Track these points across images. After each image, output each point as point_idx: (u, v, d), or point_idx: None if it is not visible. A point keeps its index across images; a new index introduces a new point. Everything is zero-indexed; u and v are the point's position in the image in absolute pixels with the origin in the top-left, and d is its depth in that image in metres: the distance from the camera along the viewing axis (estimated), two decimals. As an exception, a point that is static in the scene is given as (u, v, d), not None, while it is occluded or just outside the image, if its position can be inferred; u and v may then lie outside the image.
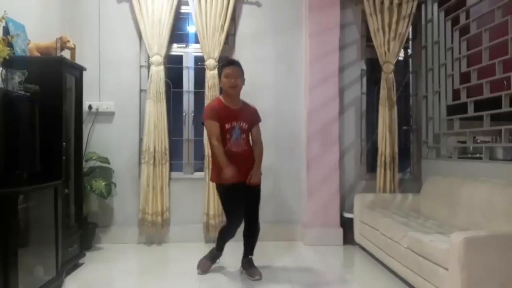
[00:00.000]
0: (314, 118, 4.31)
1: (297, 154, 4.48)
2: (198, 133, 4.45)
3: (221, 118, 3.16)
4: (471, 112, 3.76)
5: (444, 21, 4.22)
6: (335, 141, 4.35)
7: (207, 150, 4.26)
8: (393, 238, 3.18)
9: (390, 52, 4.39)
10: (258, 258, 3.36)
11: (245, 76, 4.39)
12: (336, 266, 3.74)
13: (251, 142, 3.35)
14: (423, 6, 4.51)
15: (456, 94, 4.05)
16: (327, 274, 3.43)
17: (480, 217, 3.03)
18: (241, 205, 3.22)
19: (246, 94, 4.43)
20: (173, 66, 4.52)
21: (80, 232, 3.56)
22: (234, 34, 4.48)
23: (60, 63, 3.20)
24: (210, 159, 3.49)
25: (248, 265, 3.31)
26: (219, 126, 3.15)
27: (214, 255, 3.44)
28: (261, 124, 3.40)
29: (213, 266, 3.44)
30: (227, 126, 3.18)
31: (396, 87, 4.46)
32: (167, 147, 4.26)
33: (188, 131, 4.50)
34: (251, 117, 3.32)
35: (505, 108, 3.28)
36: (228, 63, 3.31)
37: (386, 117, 4.39)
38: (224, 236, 3.37)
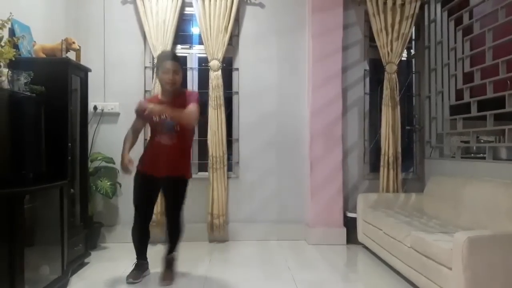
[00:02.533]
0: (317, 118, 4.32)
1: (301, 154, 4.50)
2: (202, 134, 4.47)
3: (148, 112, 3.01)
4: (474, 112, 3.76)
5: (447, 21, 4.22)
6: (338, 141, 4.36)
7: (211, 150, 4.28)
8: (396, 238, 3.19)
9: (393, 53, 4.40)
10: (262, 256, 3.37)
11: (249, 77, 4.45)
12: (339, 265, 3.75)
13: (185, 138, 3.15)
14: (426, 6, 4.52)
15: (459, 94, 4.05)
16: (330, 273, 3.44)
17: (483, 216, 3.03)
18: (147, 200, 3.17)
19: (250, 95, 4.47)
20: (177, 67, 4.54)
21: (85, 231, 3.59)
22: (238, 35, 4.51)
23: (66, 64, 3.23)
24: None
25: (165, 264, 3.25)
26: (142, 122, 3.17)
27: (138, 265, 3.24)
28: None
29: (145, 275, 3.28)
30: (154, 119, 3.05)
31: (399, 87, 4.47)
32: (171, 147, 4.27)
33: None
34: (184, 102, 3.04)
35: (508, 108, 3.27)
36: (166, 57, 3.12)
37: (389, 117, 4.39)
38: (134, 237, 3.22)
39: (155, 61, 3.57)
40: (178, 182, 3.16)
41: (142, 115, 3.07)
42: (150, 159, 3.14)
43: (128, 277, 3.14)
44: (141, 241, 3.26)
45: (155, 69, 3.18)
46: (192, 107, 3.01)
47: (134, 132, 3.22)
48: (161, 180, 3.10)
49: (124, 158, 3.09)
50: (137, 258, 3.26)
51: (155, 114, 3.02)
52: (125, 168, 3.08)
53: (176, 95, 3.13)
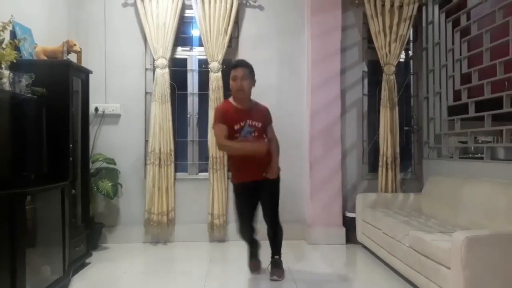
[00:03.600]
0: (316, 119, 4.35)
1: (300, 155, 4.52)
2: (202, 135, 4.50)
3: (229, 120, 3.11)
4: (472, 112, 3.79)
5: (445, 23, 4.25)
6: (337, 142, 4.38)
7: (211, 151, 4.31)
8: (395, 237, 3.21)
9: (391, 54, 4.43)
10: (262, 256, 3.39)
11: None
12: (338, 265, 3.76)
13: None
14: (424, 8, 4.54)
15: (457, 95, 4.07)
16: (330, 272, 3.46)
17: (481, 216, 3.05)
18: (247, 206, 3.24)
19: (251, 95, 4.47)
20: (178, 69, 4.57)
21: (86, 232, 3.61)
22: (238, 37, 4.53)
23: (67, 66, 3.25)
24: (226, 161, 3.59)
25: (272, 265, 3.28)
26: (226, 128, 3.09)
27: (252, 253, 3.41)
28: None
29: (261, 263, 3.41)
30: (236, 127, 3.12)
31: (397, 89, 4.49)
32: (172, 148, 4.31)
33: (192, 132, 4.55)
34: (263, 116, 3.26)
35: (506, 109, 3.30)
36: (235, 66, 3.22)
37: (387, 118, 4.42)
38: (241, 235, 3.37)
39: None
40: (268, 184, 3.22)
41: (225, 120, 3.11)
42: (238, 168, 3.25)
43: (251, 269, 3.34)
44: (251, 242, 3.39)
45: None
46: (274, 135, 3.37)
47: (227, 138, 3.14)
48: (252, 185, 3.17)
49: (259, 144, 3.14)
50: (249, 248, 3.41)
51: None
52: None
53: (256, 104, 3.28)
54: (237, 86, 3.13)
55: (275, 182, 3.29)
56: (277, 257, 3.30)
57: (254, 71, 3.24)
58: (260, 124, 3.19)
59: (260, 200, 3.27)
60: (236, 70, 3.16)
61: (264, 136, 3.26)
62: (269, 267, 3.28)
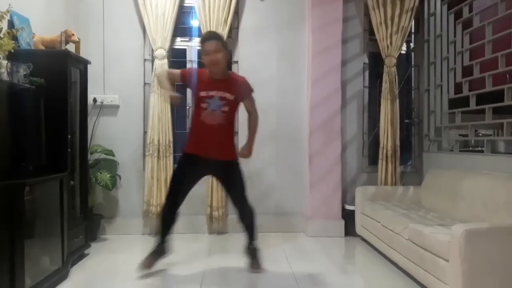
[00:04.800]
0: (316, 112, 4.33)
1: (300, 147, 4.51)
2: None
3: (198, 83, 2.99)
4: (473, 105, 3.77)
5: (447, 15, 4.22)
6: (337, 135, 4.37)
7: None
8: (394, 230, 3.21)
9: (392, 46, 4.40)
10: (261, 248, 3.39)
11: (248, 70, 4.43)
12: (337, 257, 3.77)
13: (231, 121, 3.12)
14: (426, -1, 4.52)
15: (458, 87, 4.05)
16: (328, 265, 3.47)
17: (481, 209, 3.05)
18: (186, 181, 3.07)
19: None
20: (177, 59, 4.54)
21: (85, 223, 3.61)
22: (237, 28, 4.50)
23: (65, 56, 3.22)
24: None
25: (249, 254, 3.24)
26: (192, 91, 3.05)
27: (157, 250, 3.16)
28: (259, 115, 3.22)
29: (161, 262, 3.21)
30: (202, 93, 2.99)
31: (398, 81, 4.47)
32: (171, 139, 4.29)
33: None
34: (239, 87, 3.08)
35: (507, 102, 3.28)
36: (206, 39, 3.04)
37: (388, 111, 4.40)
38: (162, 220, 3.16)
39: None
40: (231, 166, 3.10)
41: (189, 79, 3.02)
42: (195, 140, 3.05)
43: (142, 264, 3.09)
44: (167, 225, 3.16)
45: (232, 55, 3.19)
46: (253, 109, 3.16)
47: (167, 77, 3.07)
48: (207, 163, 3.00)
49: (166, 89, 3.03)
50: (159, 242, 3.16)
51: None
52: (174, 98, 2.95)
53: (225, 75, 3.08)
54: (211, 59, 2.97)
55: (235, 164, 3.13)
56: (252, 245, 3.23)
57: (226, 43, 3.12)
58: (233, 97, 3.03)
59: (224, 186, 3.17)
60: (208, 43, 2.99)
61: (236, 111, 3.13)
62: (247, 258, 3.24)
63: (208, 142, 3.00)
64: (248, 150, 3.15)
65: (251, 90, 3.18)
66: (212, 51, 2.97)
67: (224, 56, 3.02)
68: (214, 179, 4.03)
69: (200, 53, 4.50)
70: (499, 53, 3.40)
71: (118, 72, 4.36)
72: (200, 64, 4.50)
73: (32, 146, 2.83)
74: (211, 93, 3.00)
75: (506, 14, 3.34)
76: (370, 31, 4.57)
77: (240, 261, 3.37)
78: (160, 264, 3.20)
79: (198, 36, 4.50)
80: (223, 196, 4.33)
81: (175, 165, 3.13)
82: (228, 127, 3.09)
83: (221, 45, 3.01)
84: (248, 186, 3.23)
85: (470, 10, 3.90)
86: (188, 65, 4.53)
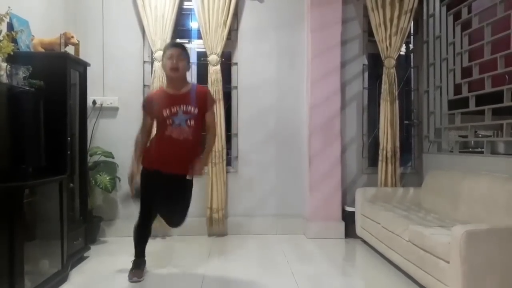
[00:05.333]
0: (316, 113, 4.33)
1: (299, 149, 4.51)
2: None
3: (157, 106, 2.92)
4: (472, 106, 3.77)
5: (446, 16, 4.22)
6: (337, 136, 4.37)
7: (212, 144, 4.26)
8: (394, 232, 3.20)
9: (391, 47, 4.40)
10: (260, 250, 3.38)
11: (248, 71, 4.44)
12: (337, 259, 3.76)
13: (198, 135, 3.03)
14: (424, 0, 4.51)
15: (457, 88, 4.05)
16: (329, 267, 3.46)
17: (481, 210, 3.05)
18: (154, 199, 2.99)
19: (249, 90, 4.47)
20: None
21: (85, 225, 3.60)
22: (237, 30, 4.50)
23: (64, 58, 3.22)
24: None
25: (134, 265, 3.13)
26: (151, 118, 3.00)
27: (138, 263, 3.12)
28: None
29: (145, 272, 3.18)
30: (165, 113, 2.90)
31: (397, 82, 4.47)
32: (170, 141, 4.28)
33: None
34: (201, 100, 2.98)
35: (506, 102, 3.28)
36: (171, 45, 3.05)
37: (387, 112, 4.40)
38: (136, 236, 3.14)
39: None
40: (188, 181, 3.03)
41: (150, 109, 2.99)
42: (158, 155, 2.96)
43: (132, 275, 3.03)
44: (143, 239, 3.16)
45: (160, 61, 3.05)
46: (213, 124, 3.09)
47: (146, 133, 3.07)
48: (168, 177, 2.93)
49: (134, 169, 2.97)
50: (136, 256, 3.15)
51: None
52: (133, 181, 2.94)
53: (184, 87, 3.00)
54: (171, 64, 2.91)
55: (190, 183, 3.06)
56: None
57: (189, 56, 3.08)
58: (196, 110, 2.95)
59: (172, 197, 3.01)
60: (173, 49, 2.97)
61: (202, 124, 3.02)
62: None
63: (172, 158, 2.92)
64: (199, 169, 2.99)
65: (214, 102, 3.12)
66: (175, 56, 2.93)
67: (185, 66, 2.98)
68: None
69: (199, 56, 4.54)
70: (498, 54, 3.40)
71: (118, 74, 4.36)
72: (199, 66, 4.53)
73: (31, 148, 2.82)
74: (173, 109, 2.92)
75: (505, 15, 3.34)
76: (369, 32, 4.58)
77: (240, 263, 3.37)
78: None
79: (198, 38, 4.51)
80: (222, 198, 4.33)
81: (140, 183, 3.01)
82: (194, 142, 2.98)
83: (184, 55, 2.99)
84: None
85: (469, 11, 3.90)
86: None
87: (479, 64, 3.70)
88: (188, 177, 2.97)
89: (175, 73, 2.95)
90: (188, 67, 3.04)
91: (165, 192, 2.98)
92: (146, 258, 3.21)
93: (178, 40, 4.50)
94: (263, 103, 4.49)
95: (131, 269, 3.09)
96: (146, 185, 2.99)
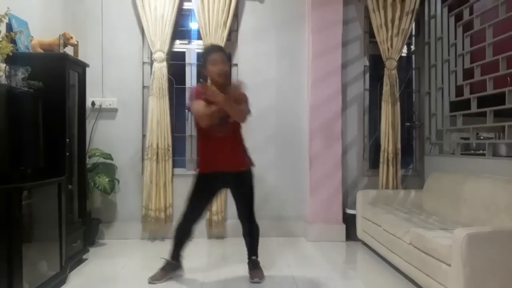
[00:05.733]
0: (316, 114, 4.31)
1: (300, 150, 4.48)
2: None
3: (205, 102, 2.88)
4: (474, 108, 3.75)
5: (448, 17, 4.21)
6: (338, 137, 4.34)
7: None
8: (395, 234, 3.18)
9: (393, 48, 4.38)
10: (260, 253, 3.36)
11: (248, 72, 4.42)
12: (338, 262, 3.74)
13: (239, 135, 3.09)
14: (426, 2, 4.49)
15: (459, 90, 4.04)
16: (329, 270, 3.44)
17: (482, 213, 3.03)
18: (203, 198, 3.06)
19: (250, 91, 4.43)
20: (176, 62, 4.52)
21: (83, 227, 3.58)
22: (237, 30, 4.48)
23: (63, 59, 3.21)
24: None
25: (251, 265, 3.15)
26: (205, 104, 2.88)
27: (170, 265, 3.13)
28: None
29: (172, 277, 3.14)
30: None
31: (399, 83, 4.45)
32: (170, 143, 4.27)
33: (191, 127, 4.50)
34: (239, 101, 2.96)
35: (508, 104, 3.27)
36: (214, 50, 3.03)
37: (389, 113, 4.38)
38: (176, 235, 3.14)
39: (201, 56, 3.20)
40: (242, 176, 3.07)
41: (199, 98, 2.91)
42: (207, 157, 3.01)
43: (151, 277, 3.05)
44: (183, 240, 3.14)
45: (200, 67, 3.02)
46: (244, 107, 2.99)
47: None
48: (220, 178, 3.00)
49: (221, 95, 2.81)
50: (170, 257, 3.14)
51: (213, 97, 2.81)
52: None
53: (226, 91, 2.90)
54: (219, 70, 2.91)
55: (247, 174, 3.11)
56: (254, 257, 3.16)
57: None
58: None
59: (233, 197, 3.15)
60: (216, 54, 2.96)
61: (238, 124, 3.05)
62: (249, 268, 3.16)
63: (219, 156, 2.97)
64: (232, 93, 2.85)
65: (247, 100, 3.07)
66: (220, 61, 2.93)
67: (229, 69, 3.02)
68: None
69: (199, 57, 4.52)
70: (500, 55, 3.39)
71: (117, 75, 4.34)
72: (199, 67, 4.50)
73: (30, 149, 2.82)
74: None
75: (506, 17, 3.32)
76: (370, 34, 4.56)
77: (240, 266, 3.34)
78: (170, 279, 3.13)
79: (198, 39, 4.49)
80: (222, 201, 4.31)
81: (192, 184, 3.09)
82: (235, 137, 3.06)
83: (226, 59, 3.01)
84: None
85: (471, 13, 3.89)
86: (187, 68, 4.51)
87: (480, 65, 3.69)
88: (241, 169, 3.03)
89: (224, 79, 2.96)
90: (231, 70, 3.02)
91: (214, 196, 3.10)
92: (181, 264, 3.19)
93: (178, 42, 4.50)
94: (263, 105, 4.46)
95: (161, 268, 3.11)
96: (199, 188, 3.05)
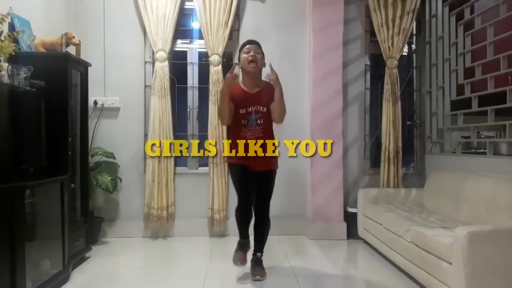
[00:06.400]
0: (318, 113, 4.32)
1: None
2: (202, 129, 4.47)
3: (236, 102, 3.02)
4: (475, 107, 3.76)
5: (449, 16, 4.21)
6: (339, 136, 4.35)
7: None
8: (396, 233, 3.19)
9: (394, 47, 4.38)
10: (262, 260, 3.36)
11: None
12: (340, 260, 3.75)
13: (268, 131, 3.17)
14: (427, 1, 4.50)
15: (460, 89, 4.04)
16: (331, 268, 3.45)
17: (483, 211, 3.04)
18: (246, 186, 3.13)
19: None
20: (178, 62, 4.53)
21: (86, 226, 3.59)
22: (238, 30, 4.49)
23: (66, 59, 3.22)
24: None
25: (253, 263, 3.19)
26: (232, 106, 3.03)
27: (241, 244, 3.26)
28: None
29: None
30: (241, 111, 3.04)
31: (400, 82, 4.45)
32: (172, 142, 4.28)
33: (192, 126, 4.52)
34: (269, 96, 3.09)
35: (509, 103, 3.26)
36: (248, 42, 3.13)
37: (390, 112, 4.38)
38: (237, 218, 3.25)
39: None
40: (268, 176, 3.16)
41: (232, 101, 3.03)
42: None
43: (235, 259, 3.17)
44: (245, 220, 3.23)
45: (237, 59, 3.16)
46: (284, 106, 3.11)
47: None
48: (251, 172, 3.08)
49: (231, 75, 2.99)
50: (240, 237, 3.25)
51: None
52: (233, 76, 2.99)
53: (258, 84, 3.11)
54: (250, 55, 3.01)
55: (273, 173, 3.20)
56: (259, 254, 3.21)
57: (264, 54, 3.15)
58: (265, 109, 3.08)
59: (256, 190, 3.19)
60: (250, 45, 3.09)
61: (270, 119, 3.14)
62: (251, 265, 3.19)
63: (250, 156, 3.06)
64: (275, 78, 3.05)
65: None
66: (253, 49, 3.04)
67: (262, 59, 3.08)
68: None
69: (200, 56, 4.53)
70: (501, 54, 3.39)
71: (119, 75, 4.35)
72: (200, 67, 4.52)
73: (32, 148, 2.84)
74: (249, 109, 3.05)
75: (507, 16, 3.32)
76: (371, 33, 4.56)
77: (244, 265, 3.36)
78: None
79: (199, 38, 4.50)
80: (224, 199, 4.32)
81: (231, 173, 3.25)
82: (266, 138, 3.12)
83: (260, 50, 3.10)
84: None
85: (472, 12, 3.89)
86: (189, 68, 4.52)
87: (481, 64, 3.69)
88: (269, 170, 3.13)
89: (254, 66, 3.03)
90: (264, 63, 3.12)
91: (249, 181, 3.14)
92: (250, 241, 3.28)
93: (179, 41, 4.51)
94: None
95: (236, 250, 3.22)
96: (238, 174, 3.15)
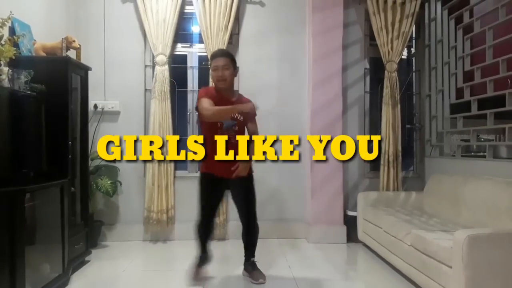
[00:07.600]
0: (317, 117, 4.32)
1: (301, 153, 4.48)
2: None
3: (215, 103, 2.90)
4: (474, 110, 3.76)
5: (448, 20, 4.22)
6: (339, 140, 4.35)
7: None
8: (396, 236, 3.19)
9: (393, 51, 4.39)
10: (262, 255, 3.37)
11: (249, 75, 4.42)
12: (339, 263, 3.75)
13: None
14: (426, 4, 4.51)
15: (459, 92, 4.05)
16: (330, 271, 3.44)
17: (483, 215, 3.04)
18: (212, 201, 3.11)
19: (250, 94, 4.44)
20: (178, 65, 4.54)
21: (86, 230, 3.59)
22: (238, 34, 4.50)
23: (66, 63, 3.23)
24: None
25: (250, 267, 3.19)
26: (212, 103, 2.89)
27: (202, 258, 3.19)
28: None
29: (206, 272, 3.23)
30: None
31: (399, 86, 4.46)
32: (171, 146, 4.28)
33: (192, 129, 4.52)
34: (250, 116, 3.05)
35: (508, 106, 3.27)
36: (215, 55, 3.06)
37: (389, 116, 4.39)
38: (198, 233, 3.17)
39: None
40: (244, 181, 3.08)
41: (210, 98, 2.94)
42: (211, 158, 2.99)
43: (194, 276, 3.13)
44: (208, 235, 3.21)
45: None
46: (256, 131, 3.12)
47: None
48: (223, 181, 3.04)
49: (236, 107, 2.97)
50: (201, 252, 3.19)
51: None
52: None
53: (240, 97, 3.11)
54: (217, 76, 2.97)
55: (247, 181, 3.12)
56: (253, 259, 3.20)
57: (235, 60, 3.11)
58: (242, 118, 3.02)
59: (233, 201, 3.19)
60: (217, 60, 3.00)
61: (244, 130, 3.11)
62: (248, 270, 3.19)
63: (219, 161, 2.97)
64: (245, 169, 3.00)
65: (256, 115, 3.10)
66: (221, 66, 2.97)
67: (232, 73, 3.02)
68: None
69: (201, 60, 4.54)
70: (500, 58, 3.39)
71: (119, 78, 4.36)
72: (200, 70, 4.53)
73: (32, 152, 2.83)
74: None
75: (507, 19, 3.33)
76: (371, 37, 4.57)
77: (241, 267, 3.35)
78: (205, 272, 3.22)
79: (199, 42, 4.51)
80: (224, 203, 4.31)
81: (199, 184, 3.16)
82: (240, 145, 3.04)
83: (229, 62, 3.01)
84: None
85: (471, 15, 3.90)
86: (189, 71, 4.54)
87: (481, 68, 3.70)
88: (233, 176, 2.99)
89: (223, 84, 3.00)
90: (235, 74, 3.08)
91: (221, 193, 3.15)
92: (207, 255, 3.23)
93: (179, 45, 4.51)
94: (264, 107, 4.40)
95: (196, 265, 3.17)
96: (205, 188, 3.11)
